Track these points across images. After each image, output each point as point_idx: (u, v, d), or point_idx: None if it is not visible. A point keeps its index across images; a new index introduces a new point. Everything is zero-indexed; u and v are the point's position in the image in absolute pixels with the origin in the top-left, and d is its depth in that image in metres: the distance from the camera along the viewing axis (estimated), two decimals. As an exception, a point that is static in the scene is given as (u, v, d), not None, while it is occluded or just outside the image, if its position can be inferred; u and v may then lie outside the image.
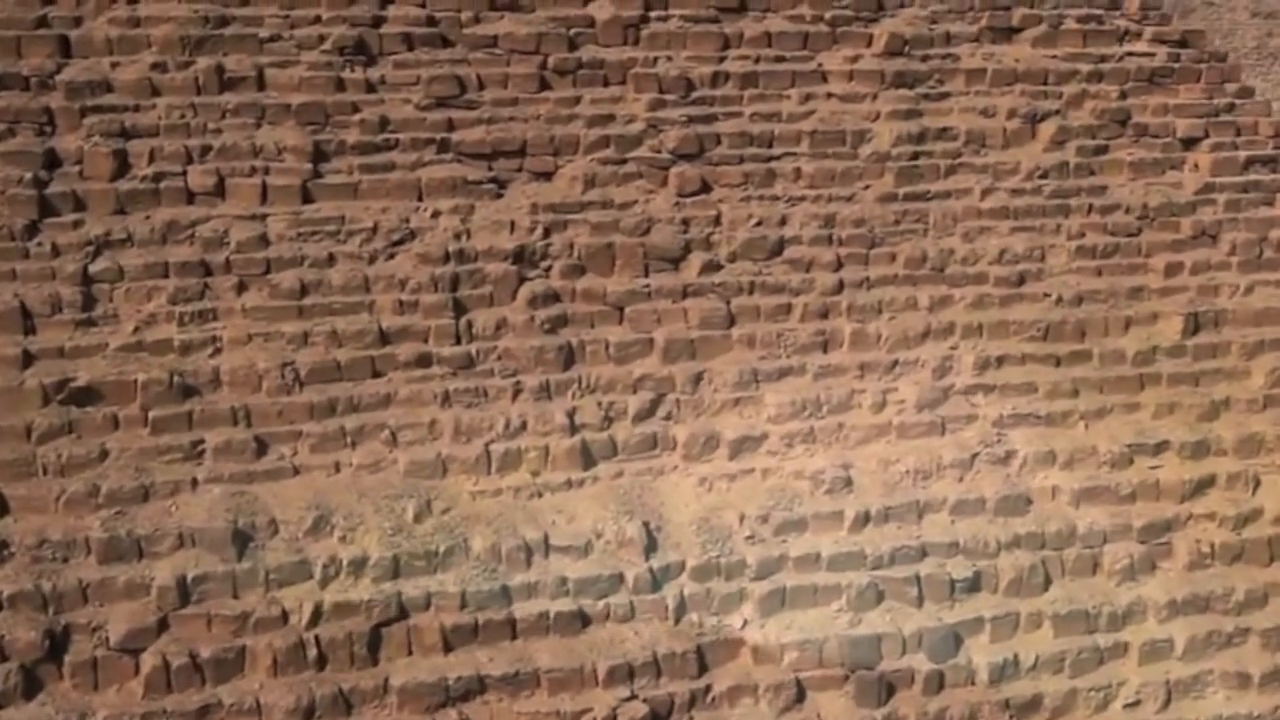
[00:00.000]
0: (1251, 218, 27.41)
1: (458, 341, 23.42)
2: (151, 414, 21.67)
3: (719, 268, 24.99)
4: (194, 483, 21.38)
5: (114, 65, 24.04)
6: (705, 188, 25.52)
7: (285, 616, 20.56)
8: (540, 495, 22.61)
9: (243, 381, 22.24)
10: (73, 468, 21.11)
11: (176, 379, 21.87)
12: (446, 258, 23.82)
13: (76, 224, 22.88)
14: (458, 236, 24.10)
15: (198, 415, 21.88)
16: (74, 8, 24.36)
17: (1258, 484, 24.80)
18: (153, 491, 21.10)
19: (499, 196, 24.72)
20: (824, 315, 25.01)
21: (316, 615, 20.64)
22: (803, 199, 25.81)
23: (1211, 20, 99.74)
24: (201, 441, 21.73)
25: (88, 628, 19.97)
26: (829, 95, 26.72)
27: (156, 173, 23.42)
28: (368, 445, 22.42)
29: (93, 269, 22.58)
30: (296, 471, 21.98)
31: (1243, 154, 27.97)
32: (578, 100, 25.63)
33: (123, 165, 23.37)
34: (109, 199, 23.15)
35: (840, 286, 25.22)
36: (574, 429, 23.15)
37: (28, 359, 21.78)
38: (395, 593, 21.00)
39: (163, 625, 20.19)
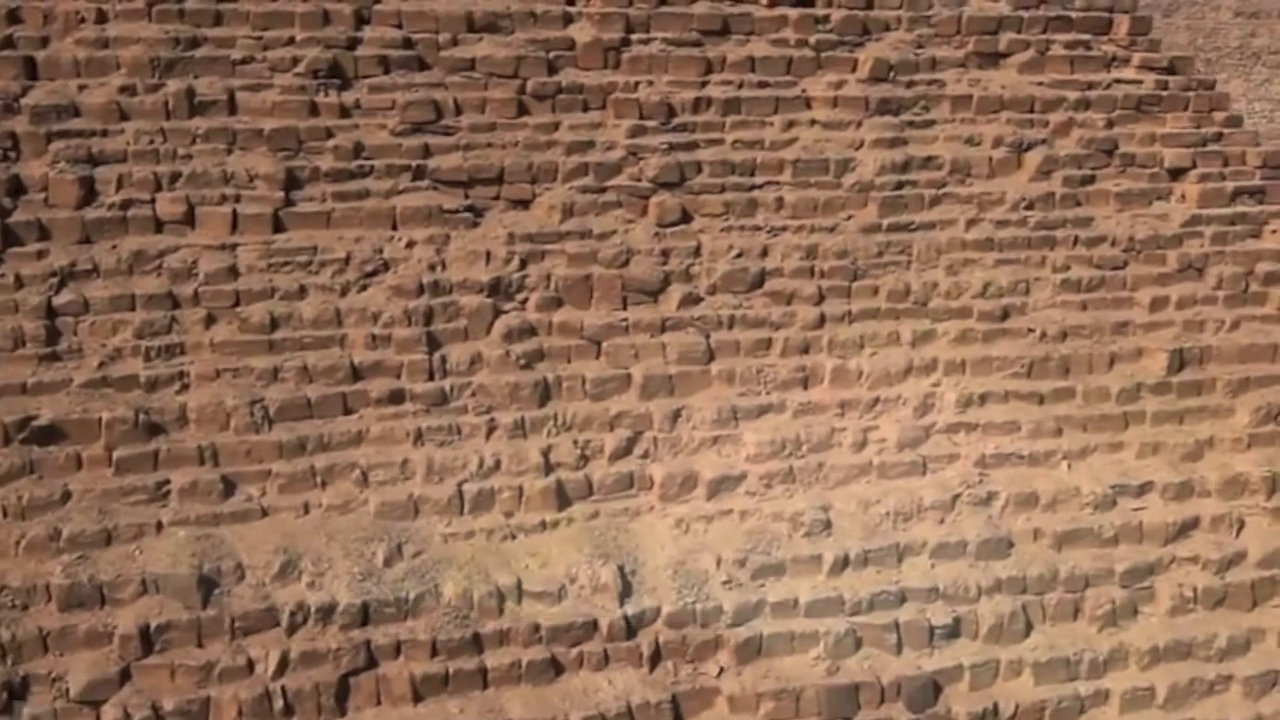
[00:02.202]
0: (1238, 250, 27.07)
1: (431, 377, 22.93)
2: (116, 454, 21.11)
3: (699, 300, 24.55)
4: (159, 525, 20.85)
5: (81, 88, 23.44)
6: (685, 217, 25.06)
7: (251, 666, 20.05)
8: (514, 537, 22.17)
9: (210, 419, 21.71)
10: (34, 510, 20.54)
11: (142, 417, 21.31)
12: (420, 290, 23.32)
13: (41, 254, 22.28)
14: (432, 268, 23.60)
15: (163, 455, 21.33)
16: (41, 27, 23.76)
17: (1241, 526, 24.50)
18: (116, 535, 20.57)
19: (475, 226, 24.22)
20: (805, 350, 24.59)
21: (283, 664, 20.15)
22: (784, 229, 25.38)
23: (1195, 19, 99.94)
24: (167, 482, 21.19)
25: (48, 678, 19.42)
26: (812, 122, 26.27)
27: (124, 200, 22.84)
28: (338, 485, 21.93)
29: (57, 301, 22.00)
30: (264, 513, 21.48)
31: (1230, 185, 27.62)
32: (556, 126, 25.13)
33: (89, 193, 22.78)
34: (74, 228, 22.56)
35: (821, 320, 24.80)
36: (549, 468, 22.71)
37: (-12, 396, 21.26)
38: (364, 641, 20.53)
39: (125, 676, 19.65)
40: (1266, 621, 23.84)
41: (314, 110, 24.11)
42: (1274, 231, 27.35)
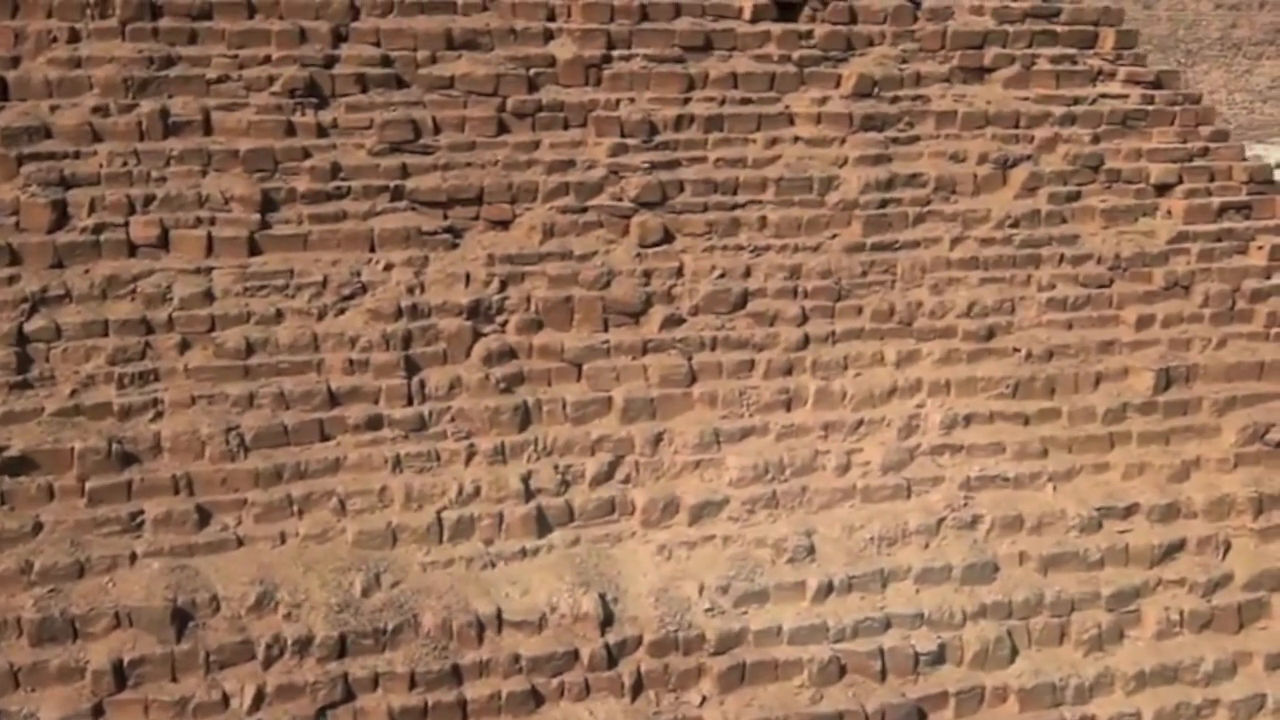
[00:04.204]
0: (1224, 267, 26.82)
1: (409, 402, 22.62)
2: (89, 484, 20.74)
3: (681, 322, 24.26)
4: (132, 557, 20.51)
5: (53, 109, 22.99)
6: (667, 237, 24.75)
7: (226, 700, 19.75)
8: (493, 565, 21.89)
9: (185, 448, 21.38)
10: (5, 542, 20.15)
11: (115, 446, 20.96)
12: (399, 313, 22.99)
13: (12, 279, 21.85)
14: (411, 290, 23.28)
15: (137, 485, 20.98)
16: (12, 47, 23.27)
17: (1228, 548, 24.31)
18: (89, 567, 20.24)
19: (454, 247, 23.91)
20: (788, 372, 24.34)
21: (259, 699, 19.85)
22: (768, 249, 25.09)
23: (1176, 10, 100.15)
24: (141, 512, 20.85)
25: (19, 715, 19.03)
26: (796, 139, 25.95)
27: (97, 224, 22.42)
28: (315, 514, 21.62)
29: (28, 327, 21.58)
30: (240, 543, 21.16)
31: (1216, 200, 27.38)
32: (537, 145, 24.79)
33: (61, 216, 22.36)
34: (46, 252, 22.17)
35: (805, 341, 24.54)
36: (529, 494, 22.43)
37: (-42, 426, 20.89)
38: (341, 673, 20.23)
39: (98, 712, 19.31)
40: (1253, 644, 23.66)
41: (290, 130, 23.74)
42: (1260, 248, 27.11)
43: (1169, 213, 27.19)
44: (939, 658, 22.35)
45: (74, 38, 23.50)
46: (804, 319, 24.70)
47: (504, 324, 23.60)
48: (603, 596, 21.64)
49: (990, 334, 25.27)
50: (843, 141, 26.09)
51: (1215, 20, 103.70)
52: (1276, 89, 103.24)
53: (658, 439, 23.36)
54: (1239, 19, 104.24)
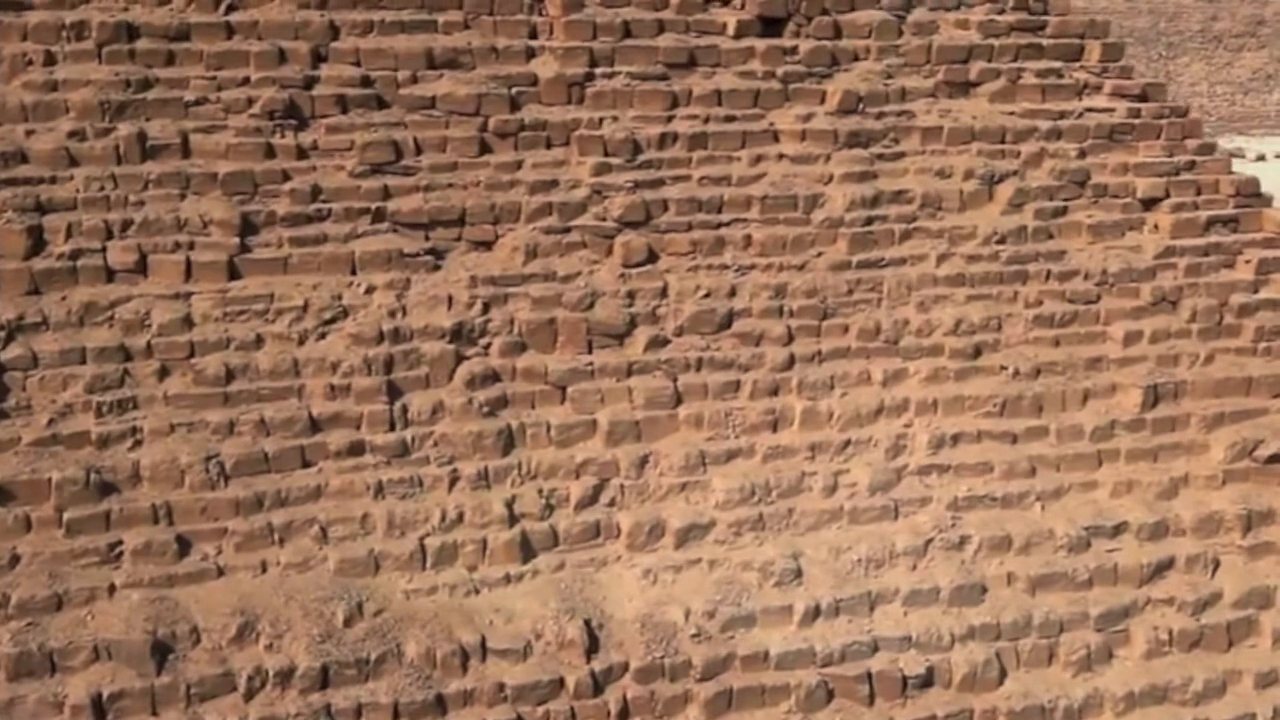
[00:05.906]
0: (1212, 282, 26.68)
1: (392, 427, 22.40)
2: (66, 515, 20.46)
3: (665, 343, 24.07)
4: (111, 589, 20.25)
5: (29, 133, 22.72)
6: (652, 257, 24.55)
7: (207, 734, 19.59)
8: (477, 592, 21.68)
9: (164, 477, 21.12)
10: (-18, 576, 20.01)
11: (93, 476, 20.69)
12: (380, 337, 22.77)
13: (-13, 307, 21.71)
14: (392, 314, 23.06)
15: (115, 515, 20.71)
16: (-13, 71, 23.14)
17: (1217, 565, 24.19)
18: (67, 600, 19.97)
19: (436, 269, 23.69)
20: (774, 392, 24.16)
21: (241, 731, 19.69)
22: (753, 268, 24.91)
23: (1157, 4, 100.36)
24: (120, 543, 20.58)
25: (-4, 751, 18.96)
26: (780, 156, 25.76)
27: (74, 250, 22.14)
28: (296, 542, 21.39)
29: (4, 356, 21.29)
30: (221, 572, 20.91)
31: (1203, 214, 27.24)
32: (519, 165, 24.59)
33: (37, 242, 22.08)
34: (22, 279, 21.89)
35: (791, 361, 24.36)
36: (513, 519, 22.22)
37: (-66, 456, 20.64)
38: (324, 704, 19.99)
39: (77, 746, 19.16)
40: (1242, 663, 23.54)
41: (270, 152, 23.50)
42: (1248, 262, 26.98)
43: (1156, 227, 27.06)
44: (927, 680, 22.21)
45: (50, 61, 23.22)
46: (790, 339, 24.52)
47: (487, 347, 23.39)
48: (588, 623, 21.46)
49: (977, 352, 25.10)
50: (828, 158, 25.92)
51: (1196, 13, 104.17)
52: (1257, 81, 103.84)
53: (643, 461, 23.17)
54: (1219, 11, 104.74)
